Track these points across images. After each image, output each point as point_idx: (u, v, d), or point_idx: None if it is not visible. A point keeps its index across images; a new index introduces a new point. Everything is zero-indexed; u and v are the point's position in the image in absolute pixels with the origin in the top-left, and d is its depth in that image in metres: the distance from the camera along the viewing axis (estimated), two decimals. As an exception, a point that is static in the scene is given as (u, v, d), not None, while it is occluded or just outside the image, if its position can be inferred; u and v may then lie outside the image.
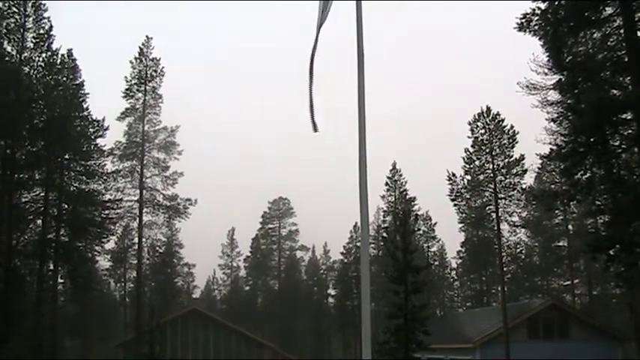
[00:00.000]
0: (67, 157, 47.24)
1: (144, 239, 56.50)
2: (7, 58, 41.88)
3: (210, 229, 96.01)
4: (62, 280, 49.86)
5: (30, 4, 43.25)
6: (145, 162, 55.01)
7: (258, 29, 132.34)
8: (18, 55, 42.45)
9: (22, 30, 42.68)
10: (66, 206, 47.28)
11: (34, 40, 43.16)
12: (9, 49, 42.28)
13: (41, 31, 43.41)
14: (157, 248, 63.90)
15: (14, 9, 42.63)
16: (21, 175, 42.97)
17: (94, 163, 48.79)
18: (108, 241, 53.19)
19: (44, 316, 44.53)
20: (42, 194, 44.91)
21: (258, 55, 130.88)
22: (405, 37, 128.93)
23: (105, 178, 50.07)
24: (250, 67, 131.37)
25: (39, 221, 45.39)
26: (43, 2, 43.66)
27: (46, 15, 43.59)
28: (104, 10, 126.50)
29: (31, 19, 43.15)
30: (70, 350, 57.20)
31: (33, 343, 39.49)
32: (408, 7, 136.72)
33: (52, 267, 46.74)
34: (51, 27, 43.66)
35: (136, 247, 57.47)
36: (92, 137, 48.34)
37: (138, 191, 54.22)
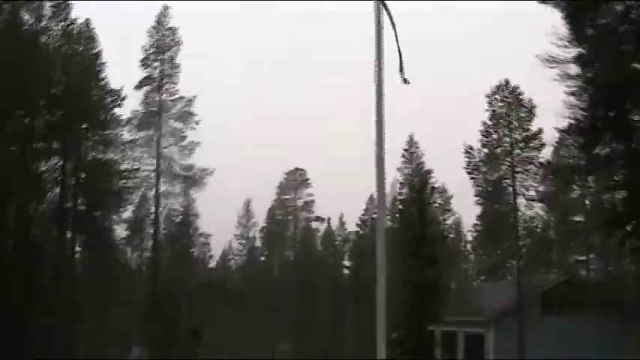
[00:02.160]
0: (84, 126, 47.35)
1: (160, 209, 56.81)
2: (24, 28, 41.88)
3: (227, 199, 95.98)
4: (80, 249, 50.30)
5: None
6: (162, 132, 55.10)
7: None
8: (36, 25, 42.44)
9: (39, -2, 42.69)
10: (83, 175, 47.54)
11: (52, 9, 43.11)
12: (27, 17, 42.29)
13: (59, 0, 43.37)
14: (174, 218, 64.21)
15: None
16: (39, 145, 43.19)
17: (112, 133, 48.95)
18: (125, 210, 53.59)
19: (63, 285, 44.99)
20: (60, 164, 45.15)
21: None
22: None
23: (122, 147, 50.25)
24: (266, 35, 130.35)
25: (57, 190, 45.67)
26: (61, -30, 43.63)
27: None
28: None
29: (48, -14, 43.14)
30: (89, 319, 57.76)
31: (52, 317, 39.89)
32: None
33: (69, 236, 47.12)
34: (69, -4, 43.67)
35: (153, 216, 57.80)
36: (109, 107, 48.44)
37: (155, 161, 54.36)
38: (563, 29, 26.90)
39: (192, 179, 56.33)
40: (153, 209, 57.39)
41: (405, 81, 8.16)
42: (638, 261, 28.89)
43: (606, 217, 27.21)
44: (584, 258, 64.34)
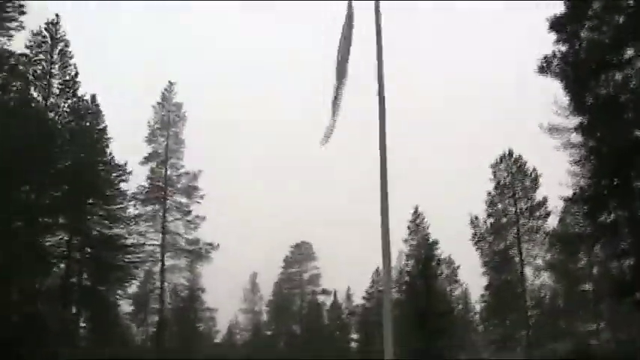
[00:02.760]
0: (90, 201, 47.55)
1: (166, 283, 56.57)
2: (32, 104, 42.51)
3: (233, 273, 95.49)
4: (84, 324, 49.83)
5: (57, 51, 44.04)
6: (167, 206, 55.34)
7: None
8: (44, 101, 43.11)
9: (48, 76, 43.43)
10: (89, 250, 47.48)
11: (59, 87, 43.86)
12: (35, 95, 42.98)
13: (67, 78, 44.16)
14: (179, 292, 63.86)
15: (41, 56, 43.48)
16: (45, 220, 43.26)
17: (117, 208, 49.10)
18: (130, 285, 53.33)
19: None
20: (65, 239, 45.15)
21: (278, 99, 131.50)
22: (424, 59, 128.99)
23: (127, 222, 50.34)
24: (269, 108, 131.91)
25: (62, 265, 45.55)
26: (69, 50, 44.49)
27: (71, 62, 44.40)
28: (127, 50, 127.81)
29: (57, 65, 43.93)
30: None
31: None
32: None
33: (74, 311, 46.76)
34: (76, 73, 44.45)
35: (158, 291, 57.46)
36: (115, 182, 48.73)
37: (160, 235, 54.45)
38: (564, 99, 27.24)
39: (197, 253, 56.31)
40: (158, 284, 57.16)
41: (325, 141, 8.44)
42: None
43: (615, 286, 26.95)
44: (594, 327, 63.43)
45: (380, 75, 8.49)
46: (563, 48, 26.43)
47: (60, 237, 45.22)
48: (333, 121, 8.64)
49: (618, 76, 26.29)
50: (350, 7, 9.22)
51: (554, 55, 26.44)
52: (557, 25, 26.29)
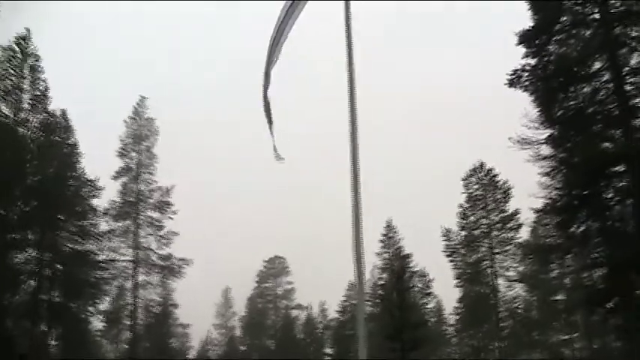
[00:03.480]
0: (60, 217, 47.04)
1: (138, 299, 56.06)
2: (2, 119, 42.08)
3: (206, 288, 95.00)
4: (55, 342, 49.13)
5: (27, 66, 43.63)
6: (139, 222, 54.95)
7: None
8: (14, 116, 42.67)
9: (18, 91, 42.99)
10: (59, 267, 46.91)
11: (30, 102, 43.44)
12: (5, 110, 42.52)
13: (37, 93, 43.75)
14: (152, 308, 63.28)
15: (11, 71, 43.05)
16: (14, 236, 42.72)
17: (88, 223, 48.62)
18: (102, 301, 52.73)
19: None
20: (35, 255, 44.59)
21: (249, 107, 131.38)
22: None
23: (99, 238, 49.86)
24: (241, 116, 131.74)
25: (32, 282, 44.95)
26: (40, 65, 44.11)
27: (42, 77, 44.00)
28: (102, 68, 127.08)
29: (27, 80, 43.50)
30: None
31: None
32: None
33: (44, 328, 46.12)
34: (47, 88, 44.05)
35: (131, 307, 56.94)
36: (86, 197, 48.29)
37: (132, 251, 54.03)
38: (534, 112, 27.50)
39: (170, 269, 55.93)
40: (130, 300, 56.64)
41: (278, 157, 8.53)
42: (622, 338, 28.73)
43: (588, 296, 27.18)
44: (567, 337, 63.90)
45: (351, 85, 8.49)
46: (532, 61, 26.75)
47: (29, 253, 44.65)
48: (270, 129, 8.65)
49: (586, 89, 26.63)
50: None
51: (523, 69, 26.73)
52: (525, 39, 26.61)
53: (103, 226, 51.46)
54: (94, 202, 49.07)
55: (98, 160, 53.04)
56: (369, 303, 69.75)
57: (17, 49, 43.65)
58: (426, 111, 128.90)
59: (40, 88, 43.99)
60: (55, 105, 45.35)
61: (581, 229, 26.31)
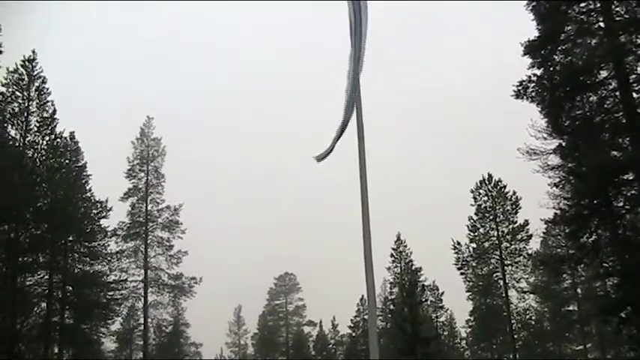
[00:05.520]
0: (70, 239, 47.10)
1: (149, 319, 56.06)
2: (10, 142, 42.19)
3: (217, 306, 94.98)
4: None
5: (34, 89, 43.77)
6: (148, 241, 55.03)
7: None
8: (22, 139, 42.78)
9: (25, 114, 43.09)
10: (70, 288, 46.93)
11: (37, 124, 43.56)
12: (13, 132, 42.64)
13: (45, 115, 43.85)
14: (163, 328, 63.26)
15: (18, 93, 43.15)
16: (25, 259, 42.74)
17: (98, 244, 48.67)
18: (113, 322, 52.69)
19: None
20: (46, 277, 44.59)
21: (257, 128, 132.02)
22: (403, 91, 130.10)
23: (109, 258, 49.91)
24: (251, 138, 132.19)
25: (43, 304, 44.96)
26: (47, 86, 44.24)
27: (49, 99, 44.12)
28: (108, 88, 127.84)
29: (34, 103, 43.61)
30: None
31: None
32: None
33: (56, 350, 46.09)
34: (55, 111, 44.12)
35: (142, 327, 56.89)
36: (95, 218, 48.38)
37: (142, 271, 54.08)
38: (542, 122, 27.45)
39: (180, 288, 55.91)
40: (142, 320, 56.61)
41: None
42: (636, 348, 28.52)
43: (600, 305, 26.99)
44: (581, 348, 63.48)
45: (358, 96, 8.49)
46: (538, 72, 26.72)
47: (40, 275, 44.65)
48: (333, 144, 8.62)
49: (593, 98, 26.58)
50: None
51: (529, 80, 26.69)
52: (531, 49, 26.59)
53: (113, 246, 51.57)
54: (104, 222, 49.19)
55: (106, 180, 53.30)
56: (381, 318, 69.63)
57: (24, 71, 43.83)
58: (435, 122, 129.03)
59: (48, 110, 44.11)
60: (62, 126, 45.56)
61: (592, 238, 26.16)
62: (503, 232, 48.16)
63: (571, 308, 60.52)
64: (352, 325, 79.68)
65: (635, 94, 25.04)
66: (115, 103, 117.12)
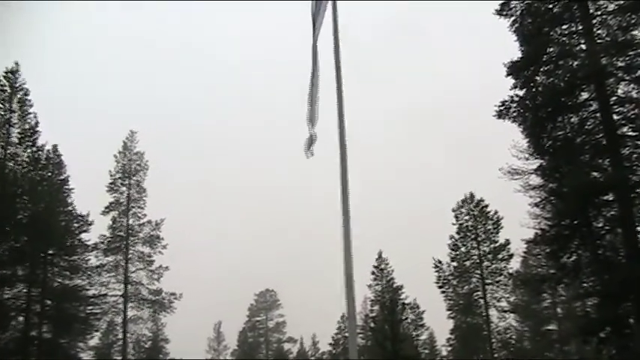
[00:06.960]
0: (50, 252, 46.77)
1: (129, 334, 55.60)
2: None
3: (197, 322, 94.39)
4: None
5: (15, 100, 43.58)
6: (129, 256, 54.73)
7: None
8: (3, 151, 42.53)
9: (7, 125, 42.89)
10: (49, 302, 46.55)
11: (19, 136, 43.34)
12: (-6, 144, 42.43)
13: (26, 127, 43.67)
14: (143, 343, 62.75)
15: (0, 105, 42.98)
16: (4, 271, 42.38)
17: (78, 258, 48.39)
18: (92, 337, 52.27)
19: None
20: (25, 290, 44.21)
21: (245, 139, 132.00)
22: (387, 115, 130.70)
23: (89, 273, 49.62)
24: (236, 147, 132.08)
25: (21, 318, 44.53)
26: (29, 98, 44.07)
27: (31, 111, 43.93)
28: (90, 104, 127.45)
29: (16, 114, 43.43)
30: None
31: None
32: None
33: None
34: (36, 123, 43.97)
35: (121, 342, 56.44)
36: (76, 232, 48.09)
37: (122, 286, 53.73)
38: (523, 142, 27.67)
39: (160, 304, 55.58)
40: (121, 335, 56.17)
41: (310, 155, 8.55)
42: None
43: (580, 325, 27.11)
44: (561, 367, 63.58)
45: (341, 120, 8.55)
46: (521, 92, 26.97)
47: (19, 289, 44.26)
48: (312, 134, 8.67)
49: (574, 119, 26.83)
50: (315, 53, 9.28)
51: (512, 100, 26.93)
52: (513, 70, 26.86)
53: (93, 260, 51.23)
54: (84, 236, 48.89)
55: (88, 194, 52.98)
56: (361, 335, 69.44)
57: (5, 82, 43.65)
58: (418, 138, 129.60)
59: (30, 122, 43.91)
60: (45, 138, 45.33)
61: (572, 258, 26.32)
62: (484, 251, 48.40)
63: (551, 328, 60.72)
64: (333, 342, 79.44)
65: (615, 116, 25.30)
66: (99, 114, 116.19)
